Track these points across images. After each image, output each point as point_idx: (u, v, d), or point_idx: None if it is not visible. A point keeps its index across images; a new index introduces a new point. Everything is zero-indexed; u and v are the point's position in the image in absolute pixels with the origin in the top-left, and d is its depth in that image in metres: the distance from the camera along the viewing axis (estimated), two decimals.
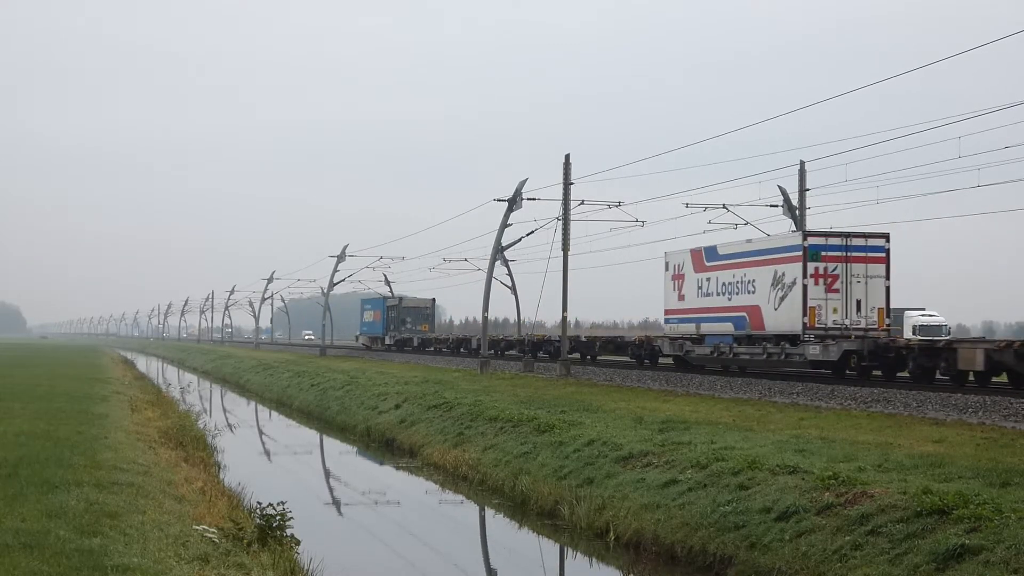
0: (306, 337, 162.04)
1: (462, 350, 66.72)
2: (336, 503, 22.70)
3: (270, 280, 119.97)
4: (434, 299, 71.81)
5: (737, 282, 34.71)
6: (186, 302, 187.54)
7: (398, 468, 26.28)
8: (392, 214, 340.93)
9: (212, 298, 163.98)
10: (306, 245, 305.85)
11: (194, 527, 11.70)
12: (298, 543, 12.86)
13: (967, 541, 10.93)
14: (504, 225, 46.92)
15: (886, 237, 31.78)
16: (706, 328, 37.07)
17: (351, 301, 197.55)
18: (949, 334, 49.02)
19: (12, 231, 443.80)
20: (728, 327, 35.45)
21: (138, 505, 12.41)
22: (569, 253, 42.25)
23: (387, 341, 79.62)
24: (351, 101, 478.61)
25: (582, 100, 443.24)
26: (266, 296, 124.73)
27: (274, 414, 44.88)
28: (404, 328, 78.69)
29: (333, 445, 32.77)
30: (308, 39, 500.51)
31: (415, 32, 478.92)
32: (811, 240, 31.60)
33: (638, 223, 45.68)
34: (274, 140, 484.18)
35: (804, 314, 31.12)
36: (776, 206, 43.79)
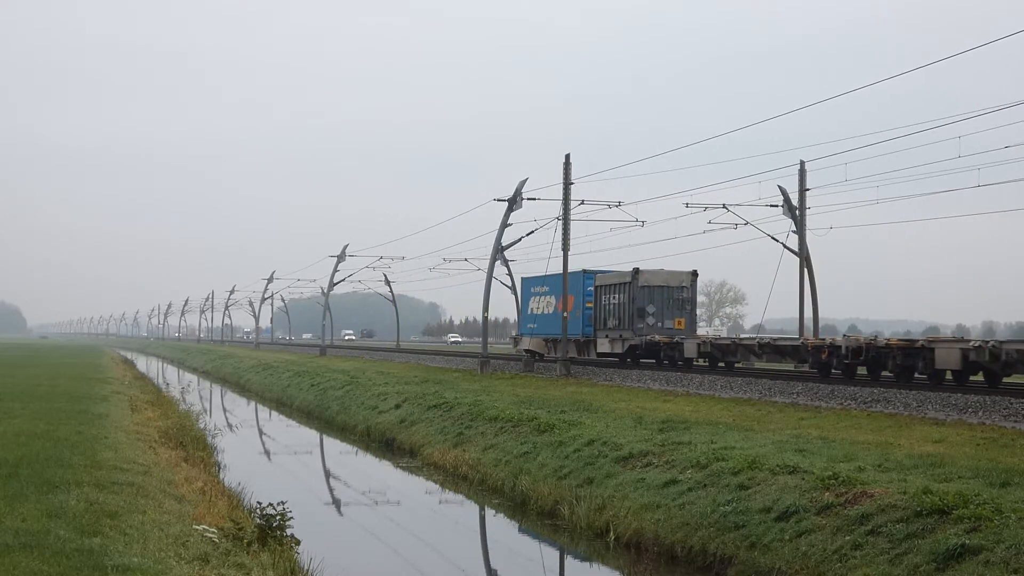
0: (346, 337, 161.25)
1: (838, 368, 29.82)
2: (336, 503, 22.70)
3: (270, 280, 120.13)
4: (695, 272, 40.91)
5: None
6: (186, 302, 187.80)
7: (398, 468, 26.28)
8: (392, 214, 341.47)
9: (212, 298, 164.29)
10: (306, 245, 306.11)
11: (194, 527, 11.70)
12: (298, 543, 12.87)
13: (967, 541, 10.93)
14: (504, 225, 46.96)
15: None
16: None
17: (351, 301, 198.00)
18: None
19: (12, 230, 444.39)
20: None
21: (138, 505, 12.41)
22: (569, 253, 42.28)
23: (602, 348, 43.65)
24: (351, 101, 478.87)
25: (582, 100, 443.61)
26: (266, 296, 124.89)
27: (274, 414, 44.88)
28: (644, 323, 41.24)
29: (333, 445, 32.77)
30: (308, 39, 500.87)
31: (415, 32, 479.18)
32: None
33: (638, 223, 45.69)
34: (274, 140, 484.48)
35: None
36: (776, 206, 43.86)
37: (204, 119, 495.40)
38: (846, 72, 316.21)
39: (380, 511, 21.52)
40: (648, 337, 40.30)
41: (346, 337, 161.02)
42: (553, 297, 47.21)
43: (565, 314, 42.62)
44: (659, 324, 41.41)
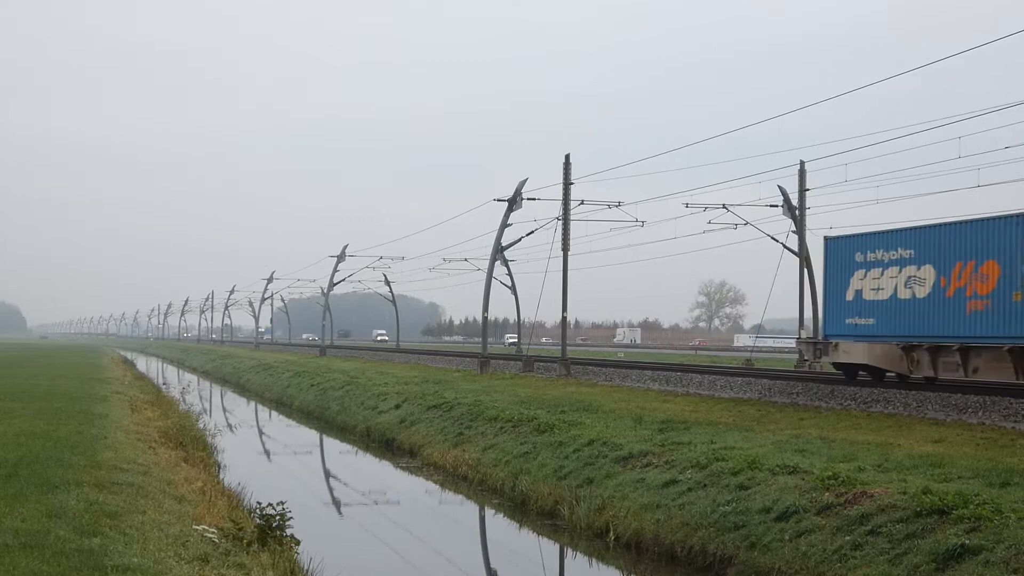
0: (378, 338, 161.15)
1: None
2: (336, 503, 22.69)
3: (270, 280, 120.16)
4: None
5: None
6: (186, 302, 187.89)
7: (398, 468, 26.27)
8: (392, 214, 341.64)
9: (212, 298, 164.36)
10: (306, 245, 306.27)
11: (194, 527, 11.69)
12: (298, 543, 12.85)
13: (967, 541, 10.93)
14: (504, 225, 47.00)
15: None
16: None
17: (351, 301, 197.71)
18: None
19: (12, 230, 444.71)
20: None
21: (138, 505, 12.40)
22: (569, 253, 42.30)
23: None
24: (351, 101, 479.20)
25: (582, 99, 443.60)
26: (266, 296, 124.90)
27: (274, 414, 44.86)
28: None
29: (333, 445, 32.76)
30: (308, 39, 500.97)
31: (415, 31, 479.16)
32: None
33: (638, 223, 45.76)
34: (274, 139, 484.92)
35: None
36: (776, 206, 43.95)
37: (204, 118, 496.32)
38: (846, 71, 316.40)
39: (380, 511, 21.52)
40: None
41: (378, 338, 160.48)
42: (930, 267, 24.80)
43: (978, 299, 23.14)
44: None
